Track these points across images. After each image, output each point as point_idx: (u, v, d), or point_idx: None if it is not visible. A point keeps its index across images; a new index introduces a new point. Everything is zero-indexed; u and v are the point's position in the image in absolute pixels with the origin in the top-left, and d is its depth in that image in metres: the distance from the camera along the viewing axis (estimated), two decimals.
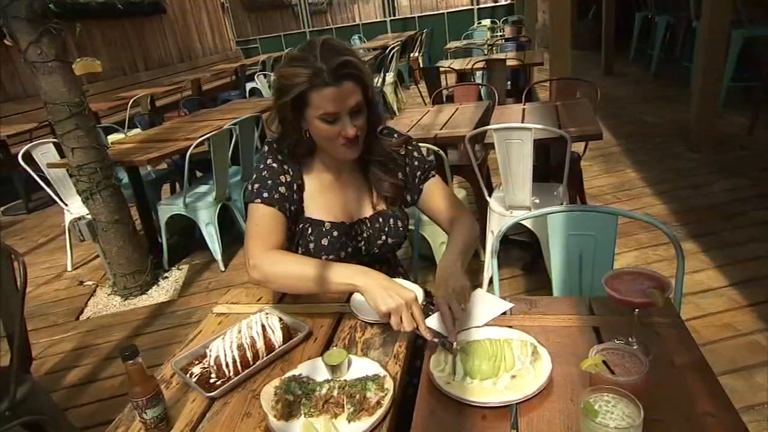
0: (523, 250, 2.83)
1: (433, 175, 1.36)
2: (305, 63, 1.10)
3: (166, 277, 3.18)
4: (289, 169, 1.24)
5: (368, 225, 1.30)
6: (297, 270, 1.12)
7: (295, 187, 1.24)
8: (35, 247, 4.09)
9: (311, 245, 1.25)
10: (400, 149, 1.32)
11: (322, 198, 1.28)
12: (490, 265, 1.47)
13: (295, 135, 1.21)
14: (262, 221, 1.19)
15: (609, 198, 3.38)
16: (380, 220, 1.31)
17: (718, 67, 3.82)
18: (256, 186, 1.21)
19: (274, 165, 1.23)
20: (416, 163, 1.34)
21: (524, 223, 2.27)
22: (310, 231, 1.25)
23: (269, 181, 1.21)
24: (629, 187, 3.50)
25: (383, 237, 1.31)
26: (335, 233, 1.25)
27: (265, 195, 1.20)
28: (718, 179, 3.40)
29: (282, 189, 1.21)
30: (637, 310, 0.95)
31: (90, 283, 3.28)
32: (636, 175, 3.67)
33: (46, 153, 3.37)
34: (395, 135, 1.34)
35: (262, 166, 1.24)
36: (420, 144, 2.36)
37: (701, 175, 3.52)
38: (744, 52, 4.58)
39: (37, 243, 4.16)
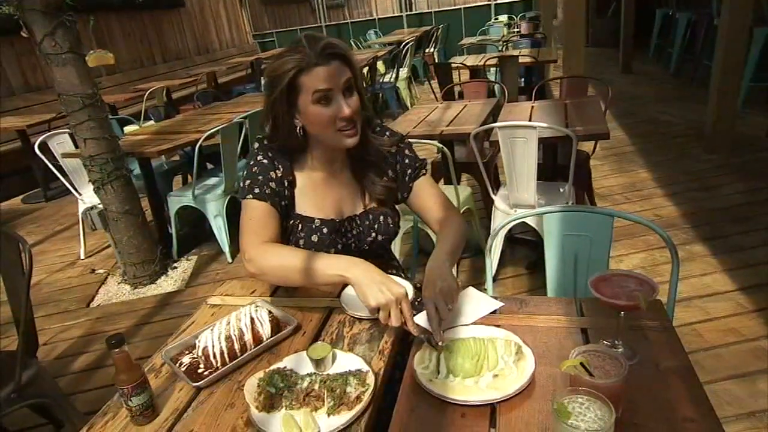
0: (529, 249, 2.81)
1: (424, 174, 1.36)
2: (292, 52, 1.14)
3: (175, 268, 3.24)
4: (279, 166, 1.25)
5: (358, 222, 1.31)
6: (291, 262, 1.13)
7: (285, 184, 1.25)
8: (51, 234, 4.20)
9: (301, 241, 1.26)
10: (392, 148, 1.32)
11: (312, 195, 1.29)
12: (490, 263, 1.47)
13: (286, 131, 1.22)
14: (255, 216, 1.21)
15: (619, 198, 3.33)
16: (370, 217, 1.32)
17: (738, 66, 3.73)
18: (248, 182, 1.23)
19: (265, 161, 1.25)
20: (407, 161, 1.35)
21: (528, 222, 2.27)
22: (300, 227, 1.27)
23: (260, 177, 1.22)
24: (640, 188, 3.44)
25: (373, 234, 1.31)
26: (325, 230, 1.27)
27: (257, 191, 1.21)
28: (733, 181, 3.33)
29: (272, 185, 1.23)
30: (622, 312, 0.95)
31: (101, 271, 3.35)
32: (648, 176, 3.61)
33: (62, 143, 3.45)
34: (387, 133, 1.34)
35: (252, 163, 1.25)
36: (426, 141, 2.38)
37: (716, 176, 3.44)
38: (765, 51, 4.46)
39: (53, 231, 4.27)
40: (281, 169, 1.25)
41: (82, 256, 3.59)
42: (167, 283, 3.08)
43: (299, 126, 1.22)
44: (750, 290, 2.23)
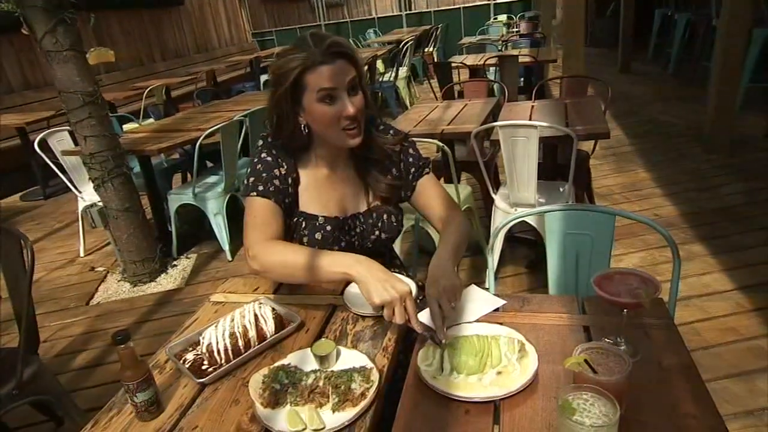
0: (528, 248, 2.82)
1: (427, 173, 1.36)
2: (297, 50, 1.14)
3: (175, 266, 3.24)
4: (284, 163, 1.25)
5: (362, 220, 1.32)
6: (295, 259, 1.13)
7: (289, 181, 1.25)
8: (50, 232, 4.18)
9: (305, 239, 1.27)
10: (395, 146, 1.32)
11: (316, 192, 1.29)
12: (492, 261, 1.47)
13: (290, 129, 1.22)
14: (259, 213, 1.21)
15: (618, 198, 3.34)
16: (374, 215, 1.32)
17: (737, 66, 3.73)
18: (252, 179, 1.23)
19: (269, 159, 1.25)
20: (411, 159, 1.35)
21: (528, 221, 2.27)
22: (304, 225, 1.27)
23: (264, 175, 1.22)
24: (640, 188, 3.45)
25: (376, 232, 1.32)
26: (328, 228, 1.27)
27: (261, 188, 1.21)
28: (732, 182, 3.34)
29: (276, 182, 1.23)
30: (625, 310, 0.95)
31: (101, 269, 3.35)
32: (647, 176, 3.62)
33: (61, 140, 3.44)
34: (391, 131, 1.34)
35: (256, 160, 1.25)
36: (427, 140, 2.39)
37: (715, 177, 3.45)
38: (765, 51, 4.47)
39: (53, 228, 4.25)
40: (285, 167, 1.25)
41: (82, 254, 3.59)
42: (167, 281, 3.07)
43: (303, 124, 1.22)
44: (749, 290, 2.24)
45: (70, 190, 3.45)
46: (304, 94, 1.17)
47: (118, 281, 3.13)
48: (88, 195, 3.35)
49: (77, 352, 2.50)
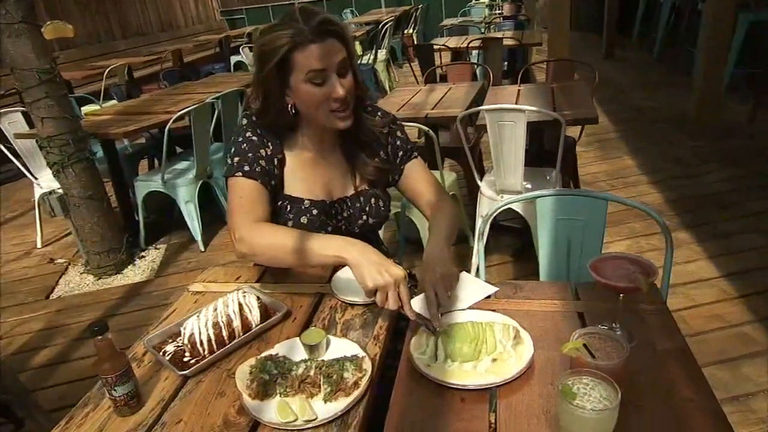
0: (513, 237, 2.78)
1: (416, 157, 1.32)
2: (286, 26, 1.07)
3: (143, 257, 3.09)
4: (269, 143, 1.19)
5: (349, 204, 1.27)
6: (284, 241, 1.07)
7: (275, 162, 1.19)
8: (2, 222, 3.93)
9: (290, 223, 1.21)
10: (384, 129, 1.28)
11: (302, 175, 1.23)
12: (482, 248, 1.42)
13: (277, 109, 1.15)
14: (245, 194, 1.14)
15: (603, 185, 3.31)
16: (361, 199, 1.27)
17: (722, 51, 3.69)
18: (237, 159, 1.16)
19: (254, 138, 1.18)
20: (399, 143, 1.31)
21: (515, 208, 2.23)
22: (289, 208, 1.21)
23: (249, 155, 1.16)
24: (625, 174, 3.42)
25: (364, 217, 1.27)
26: (314, 211, 1.21)
27: (246, 168, 1.14)
28: (717, 168, 3.32)
29: (263, 162, 1.17)
30: (621, 295, 0.92)
31: (61, 261, 3.16)
32: (632, 162, 3.59)
33: (13, 122, 3.23)
34: (380, 113, 1.29)
35: (241, 140, 1.18)
36: (411, 124, 2.32)
37: (699, 164, 3.43)
38: (749, 37, 4.38)
39: (4, 218, 4.00)
40: (271, 147, 1.19)
41: (39, 245, 3.38)
42: (135, 273, 2.93)
43: (290, 104, 1.15)
44: (733, 277, 2.24)
45: (23, 176, 3.23)
46: (292, 73, 1.10)
47: (81, 273, 2.97)
48: (45, 181, 3.16)
49: (37, 350, 2.35)
